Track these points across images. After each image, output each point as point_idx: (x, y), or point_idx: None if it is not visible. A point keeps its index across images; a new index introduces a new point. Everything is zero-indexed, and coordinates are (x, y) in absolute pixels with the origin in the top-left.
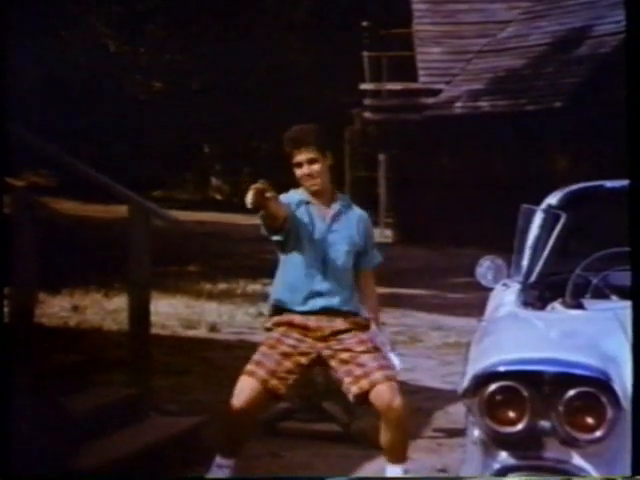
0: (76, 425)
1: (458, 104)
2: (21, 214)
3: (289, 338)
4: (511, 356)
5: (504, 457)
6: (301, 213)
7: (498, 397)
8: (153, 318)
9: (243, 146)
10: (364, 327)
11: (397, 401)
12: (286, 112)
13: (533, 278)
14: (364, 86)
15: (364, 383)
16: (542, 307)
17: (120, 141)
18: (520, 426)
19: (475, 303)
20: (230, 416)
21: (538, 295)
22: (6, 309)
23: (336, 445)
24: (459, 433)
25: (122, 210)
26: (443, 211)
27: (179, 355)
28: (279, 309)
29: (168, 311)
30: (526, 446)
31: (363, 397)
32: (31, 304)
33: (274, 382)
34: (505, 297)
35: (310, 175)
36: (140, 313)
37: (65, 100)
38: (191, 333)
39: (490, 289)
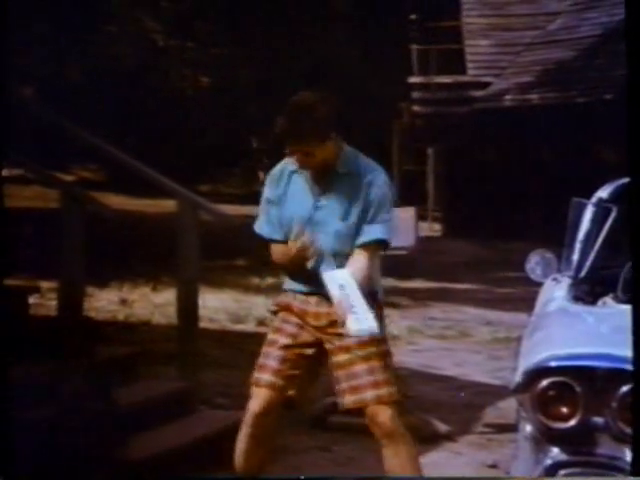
0: (125, 418)
1: (507, 97)
2: (70, 208)
3: (288, 324)
4: (563, 351)
5: (556, 453)
6: (288, 188)
7: (550, 392)
8: (201, 312)
9: None
10: None
11: (392, 428)
12: None
13: (584, 273)
14: (413, 79)
15: (350, 399)
16: (593, 302)
17: (168, 136)
18: (573, 422)
19: (524, 298)
20: (244, 436)
21: (589, 290)
22: (55, 302)
23: None
24: (509, 428)
25: (170, 204)
26: (492, 205)
27: (227, 349)
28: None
29: (216, 305)
30: (578, 442)
31: (353, 412)
32: (79, 298)
33: (281, 382)
34: (555, 292)
35: (305, 164)
36: (188, 307)
37: (113, 95)
38: (239, 327)
39: (540, 284)
